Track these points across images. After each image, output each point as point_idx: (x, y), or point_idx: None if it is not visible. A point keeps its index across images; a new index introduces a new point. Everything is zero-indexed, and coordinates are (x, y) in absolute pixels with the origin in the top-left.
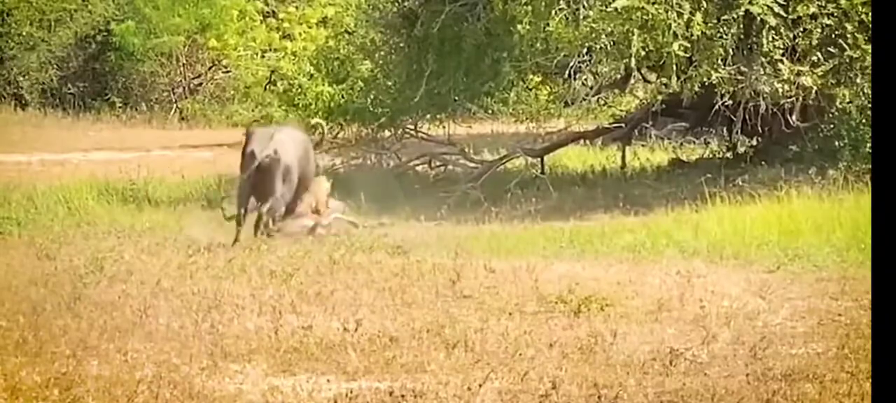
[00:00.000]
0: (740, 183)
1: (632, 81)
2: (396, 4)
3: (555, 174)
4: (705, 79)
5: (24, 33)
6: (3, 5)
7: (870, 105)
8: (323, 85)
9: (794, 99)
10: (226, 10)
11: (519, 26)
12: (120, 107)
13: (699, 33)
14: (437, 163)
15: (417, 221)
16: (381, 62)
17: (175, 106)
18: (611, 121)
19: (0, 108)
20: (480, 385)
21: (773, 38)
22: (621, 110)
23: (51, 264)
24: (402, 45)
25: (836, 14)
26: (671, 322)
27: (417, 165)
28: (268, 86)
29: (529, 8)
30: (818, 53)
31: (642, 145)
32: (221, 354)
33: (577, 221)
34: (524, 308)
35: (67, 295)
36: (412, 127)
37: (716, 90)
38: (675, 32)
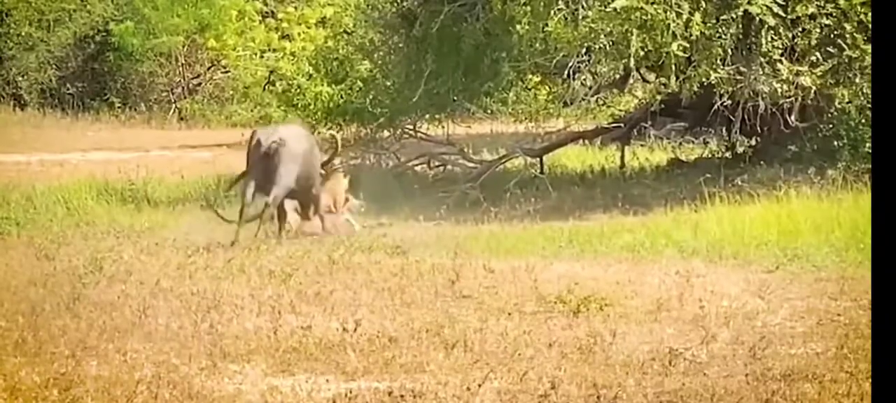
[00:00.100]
0: (739, 183)
1: (631, 81)
2: (395, 4)
3: (554, 174)
4: (704, 79)
5: (22, 33)
6: (2, 5)
7: (869, 105)
8: (322, 85)
9: (792, 99)
10: (225, 10)
11: (518, 26)
12: (119, 108)
13: (698, 33)
14: (436, 163)
15: (416, 221)
16: (379, 62)
17: (174, 106)
18: (610, 121)
19: None
20: (479, 385)
21: (772, 38)
22: (620, 110)
23: (50, 264)
24: (400, 45)
25: (834, 14)
26: (670, 322)
27: (416, 165)
28: (267, 87)
29: (528, 8)
30: (817, 53)
31: (641, 145)
32: (220, 354)
33: (577, 221)
34: (523, 308)
35: (66, 296)
36: (411, 127)
37: (715, 90)
38: (673, 32)
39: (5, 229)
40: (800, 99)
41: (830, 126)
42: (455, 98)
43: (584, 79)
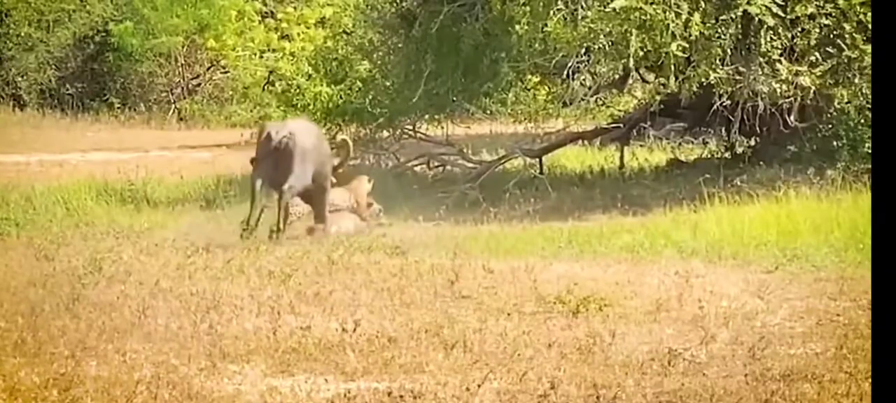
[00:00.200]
0: (739, 183)
1: (630, 81)
2: (394, 5)
3: (553, 174)
4: (703, 80)
5: (22, 34)
6: (1, 6)
7: (868, 105)
8: (321, 85)
9: (792, 99)
10: (224, 10)
11: (517, 26)
12: (118, 108)
13: (697, 33)
14: (436, 164)
15: (416, 221)
16: (379, 62)
17: (173, 106)
18: (609, 122)
19: None
20: (479, 386)
21: (771, 38)
22: (620, 110)
23: (49, 265)
24: (400, 45)
25: (834, 14)
26: (670, 322)
27: (416, 166)
28: (266, 87)
29: (528, 8)
30: (816, 53)
31: (641, 145)
32: (220, 355)
33: (576, 221)
34: (523, 308)
35: (66, 296)
36: (410, 127)
37: (714, 90)
38: (673, 33)
39: (5, 230)
40: (799, 99)
41: (830, 126)
42: (454, 98)
43: (584, 80)
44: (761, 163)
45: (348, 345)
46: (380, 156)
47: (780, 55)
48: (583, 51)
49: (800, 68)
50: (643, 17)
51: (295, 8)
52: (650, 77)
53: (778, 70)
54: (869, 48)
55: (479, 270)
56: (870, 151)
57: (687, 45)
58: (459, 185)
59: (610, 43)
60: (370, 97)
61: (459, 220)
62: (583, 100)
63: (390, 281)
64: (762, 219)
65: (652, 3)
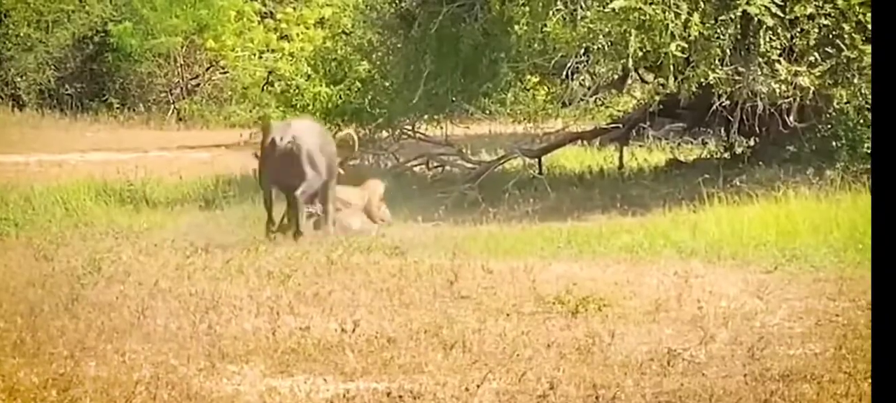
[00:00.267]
0: (738, 183)
1: (629, 82)
2: (394, 5)
3: (552, 174)
4: (703, 80)
5: (21, 34)
6: (0, 6)
7: (867, 105)
8: (320, 85)
9: (791, 99)
10: (223, 10)
11: (516, 27)
12: (117, 108)
13: (696, 34)
14: (435, 164)
15: (415, 222)
16: (378, 63)
17: (173, 107)
18: (608, 122)
19: None
20: (478, 386)
21: (770, 38)
22: (619, 111)
23: (48, 265)
24: (399, 45)
25: (833, 14)
26: (669, 322)
27: (415, 166)
28: (265, 87)
29: (527, 8)
30: (815, 54)
31: (640, 146)
32: (219, 355)
33: (575, 222)
34: (522, 308)
35: (65, 296)
36: (410, 127)
37: (713, 90)
38: (672, 33)
39: (4, 230)
40: (798, 99)
41: (829, 126)
42: (453, 98)
43: (583, 80)
44: (760, 163)
45: (347, 346)
46: (379, 157)
47: (780, 55)
48: (582, 51)
49: (799, 68)
50: (642, 17)
51: (294, 8)
52: (649, 77)
53: (777, 70)
54: (868, 48)
55: (479, 270)
56: (869, 151)
57: (686, 46)
58: (458, 185)
59: (609, 43)
60: (369, 97)
61: (458, 220)
62: (582, 100)
63: (389, 281)
64: (761, 220)
65: (651, 4)
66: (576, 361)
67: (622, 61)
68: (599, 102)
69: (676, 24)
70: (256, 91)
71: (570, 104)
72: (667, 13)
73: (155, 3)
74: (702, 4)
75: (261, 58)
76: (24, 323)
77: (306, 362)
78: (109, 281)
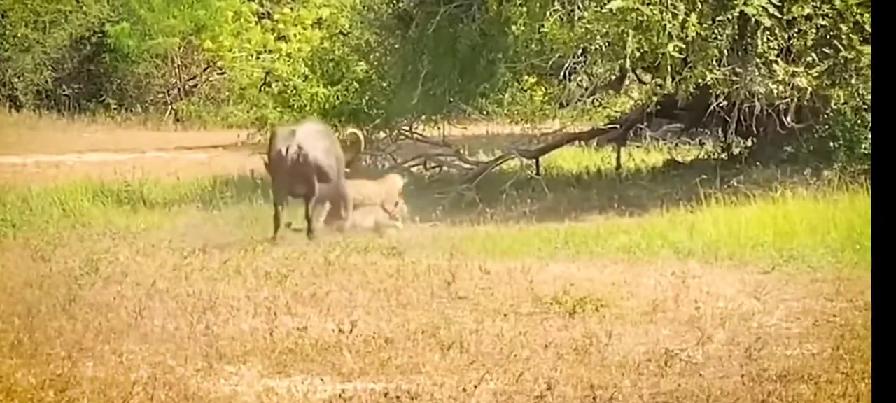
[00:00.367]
0: (735, 183)
1: (627, 82)
2: (391, 6)
3: (550, 175)
4: (700, 80)
5: (18, 35)
6: None
7: (864, 106)
8: (318, 86)
9: (788, 100)
10: (221, 11)
11: (514, 27)
12: (115, 109)
13: (694, 34)
14: (433, 165)
15: (412, 222)
16: (376, 63)
17: (170, 107)
18: (606, 122)
19: None
20: (475, 387)
21: (767, 38)
22: (616, 111)
23: (46, 266)
24: (397, 46)
25: (830, 15)
26: (666, 322)
27: (412, 166)
28: (263, 88)
29: (524, 9)
30: (813, 54)
31: (637, 146)
32: (216, 355)
33: (572, 222)
34: (519, 309)
35: (62, 297)
36: (407, 128)
37: (711, 91)
38: (669, 33)
39: (1, 231)
40: (796, 100)
41: (826, 127)
42: (451, 99)
43: (580, 81)
44: (758, 163)
45: (345, 346)
46: (377, 157)
47: (777, 56)
48: (579, 51)
49: (796, 69)
50: (640, 17)
51: (292, 9)
52: (647, 78)
53: (774, 71)
54: (865, 49)
55: (476, 271)
56: (866, 152)
57: (684, 46)
58: (456, 186)
59: (606, 44)
60: (367, 98)
61: (456, 221)
62: (579, 100)
63: (387, 281)
64: (759, 220)
65: (649, 4)
66: (573, 361)
67: (620, 62)
68: (597, 103)
69: (674, 25)
70: (254, 92)
71: (567, 105)
72: (664, 14)
73: (152, 4)
74: (699, 5)
75: (258, 58)
76: (22, 323)
77: (304, 362)
78: (107, 282)
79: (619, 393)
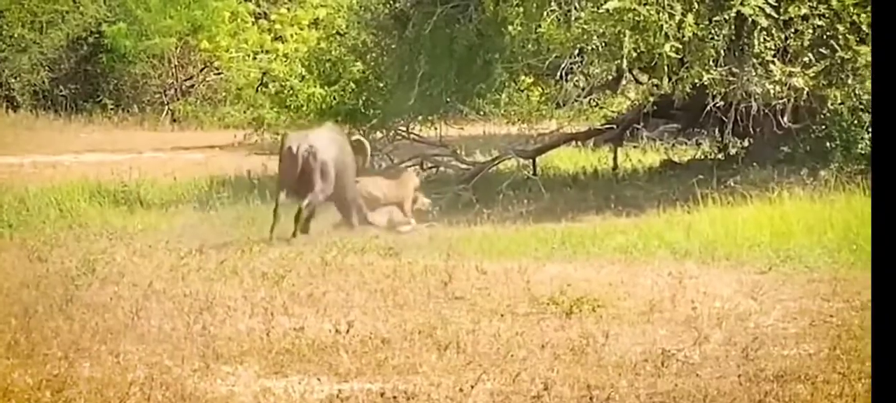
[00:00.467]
0: (732, 184)
1: (623, 82)
2: (388, 6)
3: (546, 175)
4: (697, 81)
5: (15, 35)
6: None
7: (861, 106)
8: (314, 86)
9: (785, 100)
10: (217, 11)
11: (510, 27)
12: (112, 109)
13: (691, 34)
14: (429, 165)
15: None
16: (372, 64)
17: (167, 108)
18: (602, 123)
19: None
20: (472, 387)
21: (764, 39)
22: (613, 111)
23: (43, 266)
24: (393, 46)
25: (827, 15)
26: (663, 323)
27: (409, 166)
28: (259, 88)
29: (521, 9)
30: (810, 54)
31: (634, 146)
32: (213, 356)
33: (569, 223)
34: (516, 309)
35: (59, 297)
36: (404, 128)
37: (707, 91)
38: (666, 34)
39: None
40: (792, 100)
41: (823, 127)
42: (448, 99)
43: (577, 81)
44: (755, 163)
45: (342, 346)
46: (373, 158)
47: (774, 56)
48: (576, 52)
49: (793, 69)
50: (636, 18)
51: (288, 9)
52: (643, 78)
53: (771, 71)
54: (862, 49)
55: (473, 271)
56: (863, 152)
57: (680, 46)
58: (453, 186)
59: (603, 44)
60: (363, 98)
61: (453, 221)
62: (576, 101)
63: (384, 282)
64: (755, 220)
65: (645, 4)
66: (570, 362)
67: (616, 62)
68: (594, 103)
69: (671, 25)
70: (250, 92)
71: (564, 105)
72: (661, 14)
73: (149, 4)
74: (696, 5)
75: (255, 59)
76: (19, 324)
77: (300, 363)
78: (104, 283)
79: (616, 394)
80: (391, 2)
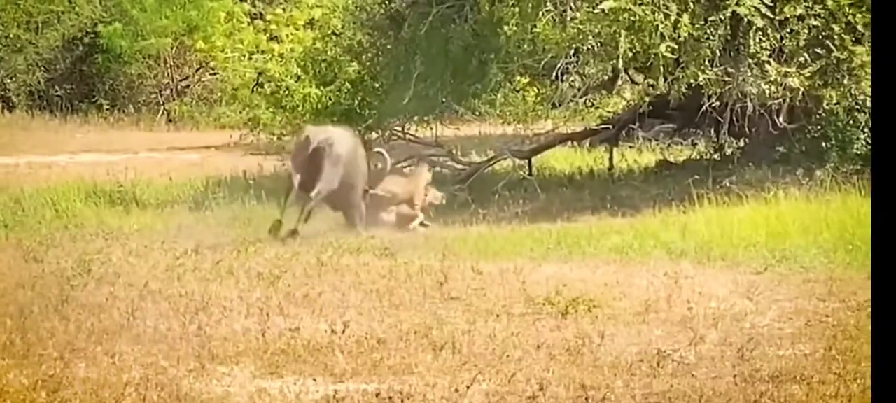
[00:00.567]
0: (728, 184)
1: (619, 83)
2: (384, 6)
3: (542, 175)
4: (692, 81)
5: (11, 35)
6: None
7: (857, 106)
8: (310, 87)
9: (781, 100)
10: (213, 11)
11: (506, 28)
12: (107, 110)
13: (686, 34)
14: (408, 167)
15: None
16: (368, 64)
17: (162, 108)
18: (598, 123)
19: None
20: (468, 387)
21: (760, 39)
22: (609, 111)
23: (38, 266)
24: (389, 46)
25: (823, 15)
26: (658, 323)
27: (405, 167)
28: (255, 89)
29: (516, 9)
30: (805, 54)
31: (630, 146)
32: (209, 356)
33: (565, 223)
34: (511, 309)
35: (55, 298)
36: (400, 128)
37: (703, 91)
38: (662, 34)
39: None
40: (788, 100)
41: (819, 127)
42: (443, 100)
43: (573, 81)
44: (750, 164)
45: (337, 347)
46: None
47: (769, 56)
48: (572, 52)
49: (789, 69)
50: (632, 18)
51: (284, 9)
52: (639, 78)
53: (767, 71)
54: (858, 49)
55: (468, 271)
56: (859, 152)
57: (676, 46)
58: (448, 186)
59: (599, 44)
60: (359, 98)
61: (448, 221)
62: (572, 101)
63: (379, 282)
64: (751, 220)
65: (641, 5)
66: (565, 362)
67: (612, 62)
68: (589, 103)
69: (666, 25)
70: (246, 92)
71: (559, 105)
72: (656, 14)
73: (144, 5)
74: (691, 5)
75: (251, 59)
76: (14, 324)
77: (296, 363)
78: (99, 283)
79: (612, 394)
80: (387, 2)
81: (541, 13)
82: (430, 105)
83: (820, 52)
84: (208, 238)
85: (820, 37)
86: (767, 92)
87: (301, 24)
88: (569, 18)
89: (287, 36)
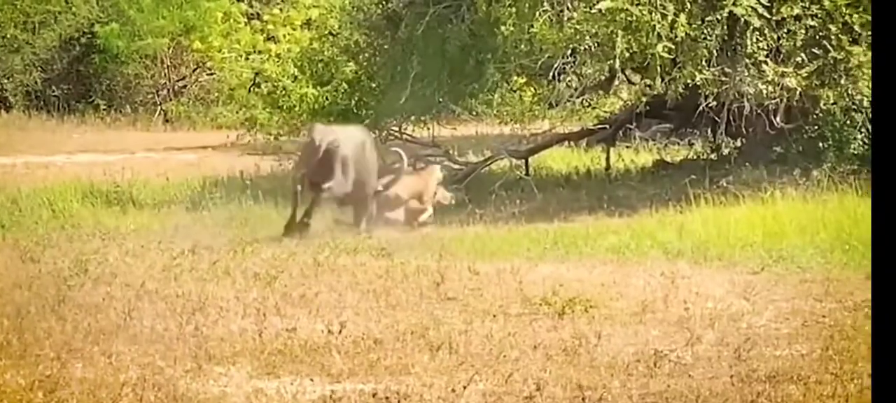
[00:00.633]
0: (724, 184)
1: (616, 83)
2: (380, 6)
3: (539, 176)
4: (689, 81)
5: (7, 35)
6: None
7: (854, 106)
8: (307, 87)
9: (778, 100)
10: (210, 12)
11: (503, 28)
12: (104, 110)
13: (683, 35)
14: (422, 165)
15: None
16: (365, 64)
17: (159, 108)
18: (595, 123)
19: None
20: (465, 387)
21: (757, 39)
22: (605, 112)
23: (35, 266)
24: (386, 46)
25: (820, 15)
26: (655, 323)
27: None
28: (252, 89)
29: (513, 9)
30: (802, 55)
31: (627, 146)
32: (206, 356)
33: (562, 223)
34: (508, 309)
35: (52, 298)
36: (397, 128)
37: (700, 91)
38: (659, 34)
39: None
40: (785, 100)
41: (815, 127)
42: (440, 100)
43: (570, 81)
44: (747, 164)
45: (334, 347)
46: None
47: (766, 56)
48: (569, 52)
49: (786, 69)
50: (629, 18)
51: (281, 10)
52: (636, 78)
53: (764, 71)
54: (855, 49)
55: (465, 272)
56: (856, 152)
57: (673, 47)
58: (445, 186)
59: (596, 44)
60: (356, 99)
61: (445, 222)
62: (569, 101)
63: (376, 282)
64: (748, 221)
65: (638, 5)
66: (562, 362)
67: (609, 62)
68: (586, 103)
69: (663, 25)
70: (243, 92)
71: (556, 105)
72: (653, 14)
73: (141, 5)
74: (688, 5)
75: (247, 59)
76: (11, 324)
77: (293, 363)
78: (96, 283)
79: (608, 394)
80: (384, 2)
81: (538, 13)
82: (426, 105)
83: (817, 52)
84: (205, 238)
85: (817, 37)
86: (764, 92)
87: (298, 24)
88: (566, 18)
89: (284, 36)
